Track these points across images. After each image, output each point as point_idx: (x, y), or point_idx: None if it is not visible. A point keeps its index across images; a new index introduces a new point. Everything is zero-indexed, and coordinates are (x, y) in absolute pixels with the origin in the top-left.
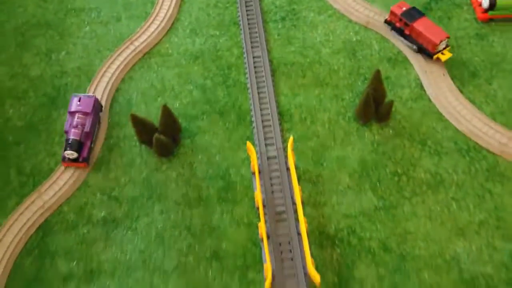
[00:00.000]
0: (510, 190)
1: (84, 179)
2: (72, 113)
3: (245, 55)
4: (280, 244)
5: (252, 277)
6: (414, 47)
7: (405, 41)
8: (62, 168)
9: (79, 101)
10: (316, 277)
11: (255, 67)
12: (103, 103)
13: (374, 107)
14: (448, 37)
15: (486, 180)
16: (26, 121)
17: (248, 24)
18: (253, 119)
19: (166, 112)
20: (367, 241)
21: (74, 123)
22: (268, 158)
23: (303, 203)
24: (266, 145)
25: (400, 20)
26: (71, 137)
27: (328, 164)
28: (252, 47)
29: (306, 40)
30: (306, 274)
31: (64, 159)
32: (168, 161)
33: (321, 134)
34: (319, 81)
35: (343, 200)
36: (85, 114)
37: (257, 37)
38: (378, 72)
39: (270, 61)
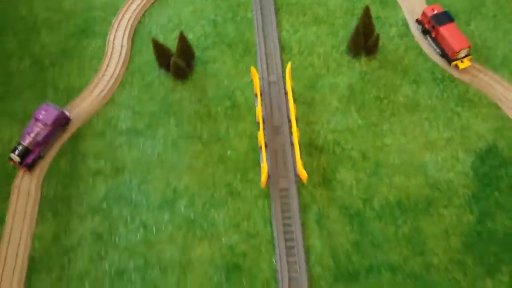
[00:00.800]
0: (476, 113)
1: (111, 97)
2: (35, 119)
3: None
4: (275, 152)
5: (251, 177)
6: (437, 50)
7: (431, 43)
8: (94, 84)
9: (46, 110)
10: (303, 175)
11: (261, 5)
12: (125, 35)
13: (363, 41)
14: (469, 47)
15: (456, 105)
16: (60, 48)
17: None
18: (257, 50)
19: (183, 39)
20: (349, 151)
21: (31, 129)
22: (269, 83)
23: (297, 120)
24: (268, 72)
25: (429, 22)
26: (21, 142)
27: (320, 89)
28: None
29: None
30: (296, 175)
31: (10, 159)
32: (182, 83)
33: (316, 65)
34: (317, 19)
35: (332, 119)
36: (44, 124)
37: None
38: (367, 9)
39: (275, 0)
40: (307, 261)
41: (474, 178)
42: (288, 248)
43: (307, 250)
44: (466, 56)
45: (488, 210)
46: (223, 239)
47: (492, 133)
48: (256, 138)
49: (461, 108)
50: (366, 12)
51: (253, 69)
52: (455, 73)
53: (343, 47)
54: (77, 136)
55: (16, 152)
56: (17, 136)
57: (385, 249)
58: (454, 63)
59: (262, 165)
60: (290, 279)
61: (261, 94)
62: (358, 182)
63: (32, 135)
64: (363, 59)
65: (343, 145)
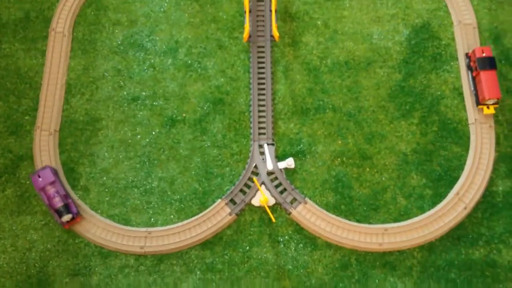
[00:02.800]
0: None
1: None
2: (42, 189)
3: None
4: (257, 16)
5: (236, 35)
6: (472, 89)
7: (470, 81)
8: None
9: (39, 177)
10: (276, 35)
11: None
12: None
13: None
14: (498, 98)
15: None
16: None
17: None
18: None
19: None
20: (315, 20)
21: (49, 196)
22: None
23: None
24: None
25: (474, 62)
26: (57, 206)
27: None
28: None
29: None
30: (271, 35)
31: (64, 224)
32: None
33: None
34: None
35: None
36: (52, 183)
37: None
38: None
39: None
40: (273, 100)
41: (407, 46)
42: (260, 90)
43: (274, 92)
44: (493, 104)
45: (413, 71)
46: (212, 80)
47: (429, 13)
48: (243, 3)
49: None
50: None
51: None
52: None
53: None
54: None
55: (63, 215)
56: None
57: (331, 94)
58: (480, 106)
59: (245, 26)
60: (259, 111)
61: None
62: (318, 44)
63: (56, 195)
64: None
65: (311, 14)
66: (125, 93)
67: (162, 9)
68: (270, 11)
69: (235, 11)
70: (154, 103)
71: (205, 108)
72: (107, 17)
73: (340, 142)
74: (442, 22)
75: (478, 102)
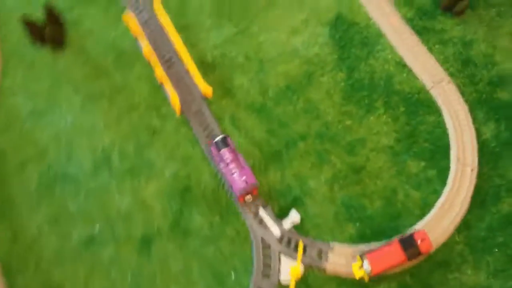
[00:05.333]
0: None
1: None
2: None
3: None
4: (177, 81)
5: (165, 111)
6: None
7: None
8: None
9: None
10: (208, 90)
11: None
12: None
13: None
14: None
15: None
16: None
17: None
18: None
19: (49, 6)
20: (235, 59)
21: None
22: (145, 22)
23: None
24: (140, 12)
25: None
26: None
27: (190, 11)
28: None
29: None
30: (202, 96)
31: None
32: (62, 51)
33: None
34: None
35: (209, 34)
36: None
37: None
38: None
39: None
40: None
41: (334, 44)
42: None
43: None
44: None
45: (352, 64)
46: (165, 172)
47: (335, 4)
48: (153, 77)
49: None
50: None
51: (125, 17)
52: None
53: None
54: None
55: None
56: None
57: (292, 125)
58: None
59: (171, 97)
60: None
61: (143, 34)
62: (251, 81)
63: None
64: None
65: (228, 55)
66: (75, 238)
67: (68, 122)
68: (187, 71)
69: (149, 88)
70: (114, 231)
71: (174, 206)
72: (11, 163)
73: (326, 167)
74: (351, 6)
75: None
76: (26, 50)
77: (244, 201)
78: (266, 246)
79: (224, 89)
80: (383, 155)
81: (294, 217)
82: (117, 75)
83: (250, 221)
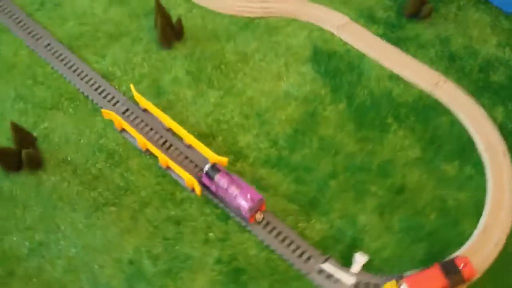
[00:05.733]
0: (288, 34)
1: None
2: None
3: None
4: (181, 162)
5: (182, 196)
6: None
7: None
8: None
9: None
10: (222, 160)
11: None
12: None
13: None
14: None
15: (270, 36)
16: None
17: None
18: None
19: (17, 128)
20: (231, 120)
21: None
22: (123, 112)
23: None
24: (113, 104)
25: None
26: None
27: (167, 89)
28: None
29: None
30: (215, 167)
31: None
32: (42, 170)
33: (144, 73)
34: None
35: (195, 105)
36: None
37: None
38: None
39: None
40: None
41: (322, 77)
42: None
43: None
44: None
45: (349, 91)
46: (207, 260)
47: (307, 40)
48: (156, 166)
49: (275, 36)
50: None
51: (104, 111)
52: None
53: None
54: None
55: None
56: None
57: (316, 167)
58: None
59: (185, 179)
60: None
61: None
62: (258, 137)
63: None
64: (178, 46)
65: (222, 119)
66: None
67: (78, 246)
68: (189, 146)
69: (154, 178)
70: None
71: None
72: None
73: (368, 198)
74: (323, 37)
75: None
76: (2, 182)
77: (255, 221)
78: None
79: (233, 153)
80: (416, 168)
81: (360, 258)
82: (115, 175)
83: (317, 279)
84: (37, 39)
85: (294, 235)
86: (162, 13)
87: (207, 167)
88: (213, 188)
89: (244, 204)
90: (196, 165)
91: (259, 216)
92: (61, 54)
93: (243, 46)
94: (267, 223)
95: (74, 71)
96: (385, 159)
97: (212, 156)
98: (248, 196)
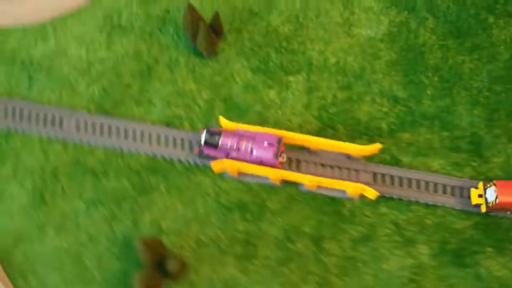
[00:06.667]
0: None
1: None
2: None
3: None
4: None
5: (349, 208)
6: None
7: None
8: None
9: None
10: (375, 148)
11: None
12: None
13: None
14: None
15: None
16: None
17: None
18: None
19: None
20: (333, 106)
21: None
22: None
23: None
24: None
25: None
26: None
27: (245, 102)
28: None
29: None
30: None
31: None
32: None
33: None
34: None
35: (287, 105)
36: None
37: None
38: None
39: None
40: None
41: (391, 1)
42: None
43: None
44: None
45: (427, 2)
46: None
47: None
48: (299, 195)
49: None
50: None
51: (215, 164)
52: None
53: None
54: None
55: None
56: None
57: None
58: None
59: (347, 188)
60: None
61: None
62: (374, 102)
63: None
64: (222, 47)
65: (326, 103)
66: None
67: None
68: (315, 151)
69: (309, 207)
70: None
71: None
72: None
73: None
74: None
75: None
76: None
77: (281, 164)
78: None
79: (366, 134)
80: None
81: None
82: (269, 229)
83: None
84: (60, 125)
85: None
86: (198, 17)
87: (203, 137)
88: (221, 155)
89: (266, 155)
90: (340, 168)
91: (282, 158)
92: (102, 124)
93: (289, 10)
94: None
95: (126, 136)
96: None
97: (360, 149)
98: (265, 144)
